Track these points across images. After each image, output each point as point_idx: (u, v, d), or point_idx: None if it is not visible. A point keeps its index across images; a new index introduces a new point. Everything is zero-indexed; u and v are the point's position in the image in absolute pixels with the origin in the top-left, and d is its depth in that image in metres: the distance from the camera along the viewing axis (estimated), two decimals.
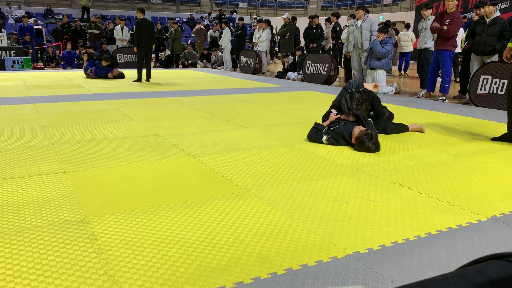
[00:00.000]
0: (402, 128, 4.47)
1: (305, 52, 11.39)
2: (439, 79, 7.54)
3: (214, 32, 16.08)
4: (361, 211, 2.37)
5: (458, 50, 9.01)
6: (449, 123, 5.01)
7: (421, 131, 4.56)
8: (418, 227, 2.16)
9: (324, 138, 3.91)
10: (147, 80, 9.62)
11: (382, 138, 4.18)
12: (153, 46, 9.75)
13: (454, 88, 8.33)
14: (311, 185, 2.79)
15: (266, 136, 4.20)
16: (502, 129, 4.68)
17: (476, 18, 7.49)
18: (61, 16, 16.32)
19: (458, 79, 9.72)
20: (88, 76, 10.26)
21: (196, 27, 16.09)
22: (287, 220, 2.22)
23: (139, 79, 9.48)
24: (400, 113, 5.63)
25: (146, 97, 7.07)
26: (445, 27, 6.55)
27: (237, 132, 4.38)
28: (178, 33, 13.89)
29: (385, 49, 7.61)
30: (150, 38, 9.32)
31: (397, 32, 12.98)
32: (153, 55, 16.47)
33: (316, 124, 4.15)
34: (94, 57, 10.41)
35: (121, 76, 10.31)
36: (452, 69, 8.31)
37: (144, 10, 9.60)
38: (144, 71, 9.51)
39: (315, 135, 4.00)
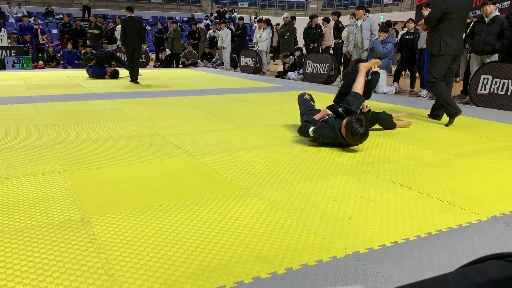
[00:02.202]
0: (393, 123, 4.58)
1: (303, 52, 11.39)
2: None
3: (214, 31, 16.10)
4: (361, 211, 2.37)
5: None
6: None
7: (407, 127, 4.68)
8: (418, 227, 2.16)
9: (311, 129, 3.76)
10: (135, 81, 9.19)
11: (382, 137, 4.19)
12: (144, 46, 9.30)
13: (455, 88, 8.32)
14: (311, 184, 2.79)
15: (266, 136, 4.20)
16: (503, 128, 4.68)
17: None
18: (61, 16, 16.32)
19: (457, 79, 9.70)
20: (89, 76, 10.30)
21: (197, 26, 16.12)
22: (287, 220, 2.22)
23: (135, 79, 9.19)
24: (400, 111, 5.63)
25: (146, 96, 7.07)
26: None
27: (237, 132, 4.38)
28: (177, 32, 13.90)
29: (386, 49, 7.61)
30: (137, 37, 8.91)
31: (397, 33, 12.96)
32: (153, 55, 16.52)
33: (307, 117, 4.06)
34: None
35: (116, 73, 10.09)
36: None
37: (132, 8, 9.25)
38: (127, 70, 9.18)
39: (304, 127, 3.90)
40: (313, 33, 11.35)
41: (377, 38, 7.89)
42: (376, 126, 4.56)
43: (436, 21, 4.75)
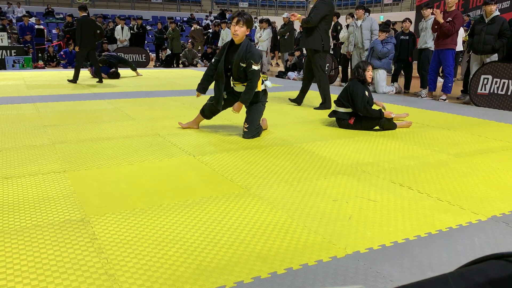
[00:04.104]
0: (393, 125, 4.56)
1: (304, 52, 11.38)
2: (439, 79, 7.51)
3: (213, 31, 16.13)
4: (361, 210, 2.37)
5: (459, 48, 8.96)
6: (450, 122, 5.01)
7: (407, 127, 4.68)
8: (418, 227, 2.16)
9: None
10: (99, 81, 9.12)
11: (382, 137, 4.18)
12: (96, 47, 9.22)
13: (456, 88, 8.31)
14: (311, 184, 2.79)
15: (266, 136, 4.20)
16: (503, 128, 4.69)
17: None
18: (61, 16, 16.33)
19: (457, 79, 9.69)
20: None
21: (193, 27, 16.14)
22: (287, 220, 2.22)
23: (74, 80, 8.92)
24: (401, 112, 5.62)
25: (146, 96, 7.07)
26: (439, 17, 6.51)
27: (237, 132, 4.38)
28: (176, 32, 13.89)
29: (386, 49, 7.61)
30: (92, 37, 8.80)
31: (395, 33, 12.93)
32: (154, 55, 16.51)
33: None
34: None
35: (117, 75, 10.21)
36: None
37: (86, 7, 9.10)
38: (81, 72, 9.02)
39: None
40: None
41: (377, 38, 7.89)
42: (377, 127, 4.55)
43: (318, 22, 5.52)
